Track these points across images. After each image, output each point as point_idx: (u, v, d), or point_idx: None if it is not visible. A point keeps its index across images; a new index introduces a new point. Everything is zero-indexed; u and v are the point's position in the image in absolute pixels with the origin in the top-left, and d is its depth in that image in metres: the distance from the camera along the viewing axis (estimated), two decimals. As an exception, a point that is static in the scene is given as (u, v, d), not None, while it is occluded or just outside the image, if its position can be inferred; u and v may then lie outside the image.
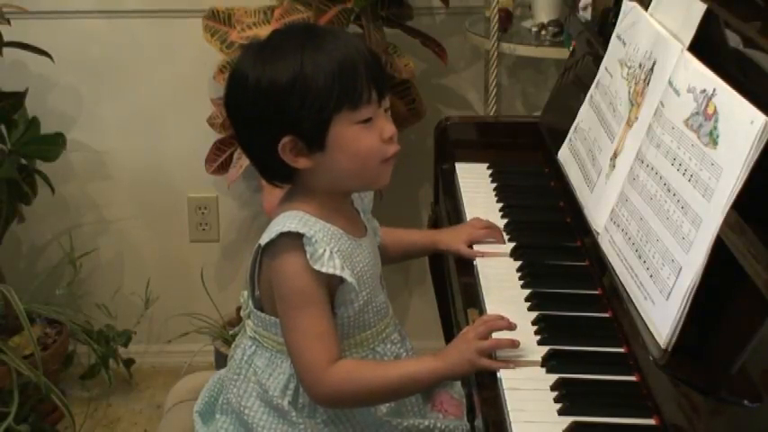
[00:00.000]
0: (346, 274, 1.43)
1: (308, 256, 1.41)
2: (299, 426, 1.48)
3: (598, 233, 1.59)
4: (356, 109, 1.43)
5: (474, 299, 1.58)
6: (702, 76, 1.36)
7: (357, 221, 1.55)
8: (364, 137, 1.44)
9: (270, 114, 1.43)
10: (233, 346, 1.59)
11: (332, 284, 1.46)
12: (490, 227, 1.75)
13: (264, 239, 1.45)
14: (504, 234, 1.75)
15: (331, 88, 1.41)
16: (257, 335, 1.53)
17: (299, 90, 1.41)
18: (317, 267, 1.41)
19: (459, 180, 2.00)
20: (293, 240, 1.42)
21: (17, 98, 2.56)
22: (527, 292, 1.55)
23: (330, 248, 1.43)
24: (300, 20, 2.45)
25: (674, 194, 1.34)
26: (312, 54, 1.42)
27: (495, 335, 1.42)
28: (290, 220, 1.44)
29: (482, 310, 1.53)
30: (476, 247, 1.71)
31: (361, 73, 1.43)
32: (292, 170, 1.46)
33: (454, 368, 1.42)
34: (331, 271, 1.42)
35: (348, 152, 1.44)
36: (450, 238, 1.74)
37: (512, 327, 1.42)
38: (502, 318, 1.43)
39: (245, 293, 1.57)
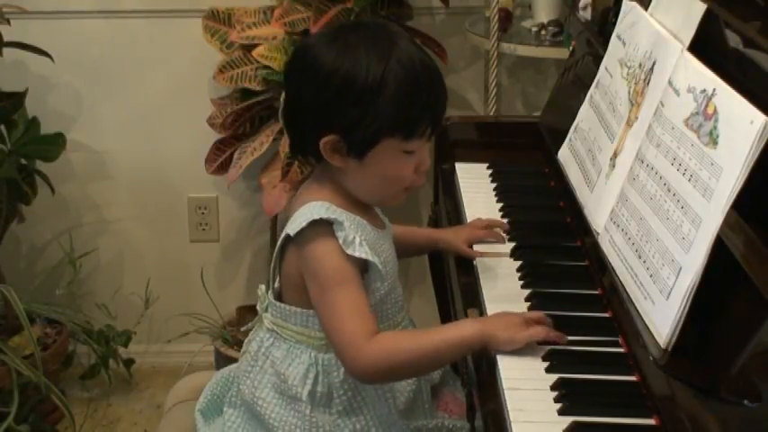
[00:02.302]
0: (376, 260, 1.45)
1: (340, 241, 1.42)
2: (312, 419, 1.49)
3: (598, 233, 1.59)
4: (408, 139, 1.44)
5: (474, 299, 1.58)
6: (702, 76, 1.36)
7: (376, 214, 1.56)
8: (402, 165, 1.46)
9: (328, 109, 1.43)
10: (246, 341, 1.60)
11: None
12: (491, 226, 1.75)
13: (294, 229, 1.45)
14: (505, 234, 1.75)
15: (397, 114, 1.41)
16: (275, 326, 1.53)
17: (367, 102, 1.40)
18: (349, 252, 1.42)
19: (459, 180, 2.00)
20: (323, 227, 1.43)
21: (17, 98, 2.56)
22: (527, 292, 1.56)
23: (358, 236, 1.44)
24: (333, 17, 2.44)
25: (674, 194, 1.34)
26: (395, 73, 1.40)
27: None
28: (317, 209, 1.45)
29: (482, 310, 1.53)
30: (476, 247, 1.71)
31: (428, 109, 1.44)
32: (321, 158, 1.47)
33: (495, 331, 1.38)
34: (363, 255, 1.43)
35: (381, 172, 1.46)
36: (450, 237, 1.75)
37: (561, 341, 1.41)
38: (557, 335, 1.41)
39: (263, 287, 1.58)
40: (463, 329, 1.42)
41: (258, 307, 1.59)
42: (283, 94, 1.52)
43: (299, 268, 1.47)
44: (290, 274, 1.50)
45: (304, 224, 1.43)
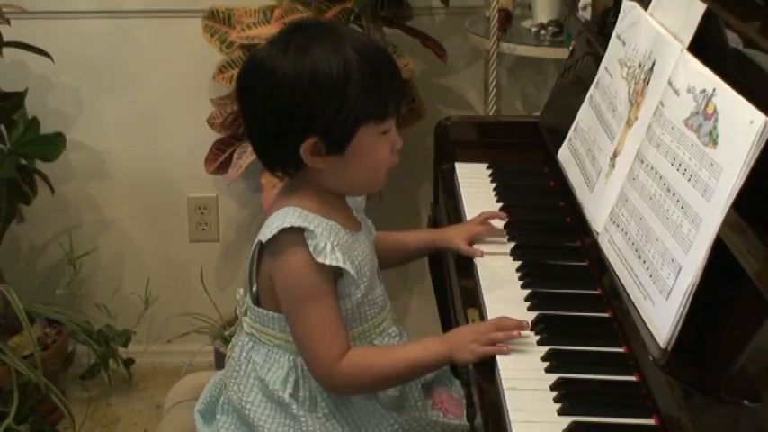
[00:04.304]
0: (348, 267, 1.44)
1: (310, 249, 1.42)
2: (301, 419, 1.49)
3: (598, 233, 1.59)
4: (382, 121, 1.45)
5: (474, 299, 1.58)
6: (702, 75, 1.36)
7: (351, 216, 1.56)
8: (381, 147, 1.47)
9: (302, 112, 1.42)
10: (230, 345, 1.60)
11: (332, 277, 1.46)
12: (489, 219, 1.75)
13: (265, 236, 1.45)
14: (504, 234, 1.75)
15: (369, 99, 1.42)
16: (254, 330, 1.53)
17: (338, 95, 1.41)
18: (320, 260, 1.42)
19: (459, 180, 2.00)
20: (295, 235, 1.43)
21: (17, 98, 2.56)
22: (527, 292, 1.55)
23: (330, 242, 1.44)
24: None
25: (674, 194, 1.34)
26: (354, 61, 1.41)
27: None
28: (290, 215, 1.44)
29: (482, 311, 1.53)
30: (475, 246, 1.71)
31: (392, 86, 1.45)
32: (301, 166, 1.46)
33: (455, 349, 1.43)
34: (334, 263, 1.43)
35: (364, 161, 1.46)
36: (449, 236, 1.75)
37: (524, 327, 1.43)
38: (517, 327, 1.43)
39: (241, 291, 1.58)
40: (429, 350, 1.46)
41: (237, 311, 1.59)
42: (244, 120, 1.51)
43: (272, 276, 1.48)
44: (266, 280, 1.50)
45: (275, 231, 1.43)
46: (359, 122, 1.43)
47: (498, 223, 1.77)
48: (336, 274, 1.46)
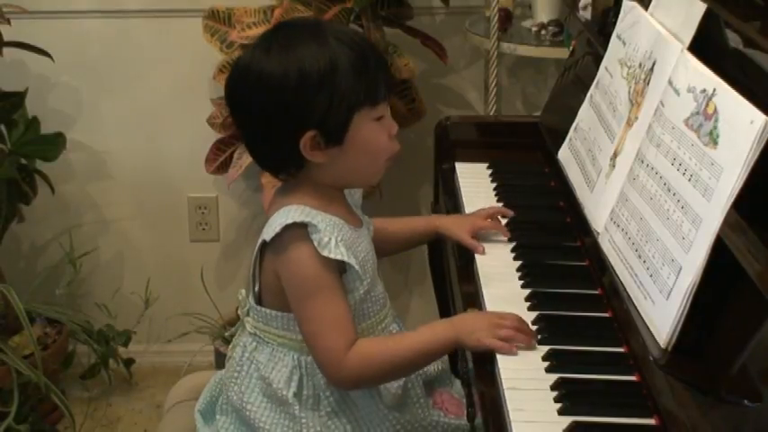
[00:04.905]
0: (353, 261, 1.45)
1: (315, 244, 1.43)
2: (302, 420, 1.49)
3: (598, 233, 1.59)
4: (375, 106, 1.46)
5: (474, 299, 1.58)
6: (702, 75, 1.36)
7: (352, 212, 1.57)
8: (378, 134, 1.48)
9: (295, 109, 1.43)
10: (231, 346, 1.60)
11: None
12: (494, 215, 1.75)
13: (269, 235, 1.45)
14: (508, 233, 1.74)
15: (358, 85, 1.43)
16: (257, 330, 1.53)
17: (327, 85, 1.42)
18: (325, 254, 1.42)
19: (459, 180, 2.00)
20: (299, 231, 1.44)
21: (17, 98, 2.56)
22: (527, 291, 1.55)
23: (334, 237, 1.44)
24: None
25: (674, 194, 1.34)
26: (338, 50, 1.43)
27: None
28: (292, 212, 1.45)
29: (482, 310, 1.53)
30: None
31: (378, 69, 1.47)
32: (303, 164, 1.47)
33: (464, 334, 1.42)
34: (339, 257, 1.43)
35: (364, 149, 1.47)
36: (452, 225, 1.74)
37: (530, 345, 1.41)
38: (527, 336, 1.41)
39: (243, 291, 1.59)
40: (436, 333, 1.45)
41: (239, 312, 1.59)
42: (240, 127, 1.52)
43: (276, 273, 1.48)
44: (269, 278, 1.50)
45: (278, 229, 1.44)
46: (353, 109, 1.44)
47: (504, 221, 1.77)
48: (340, 269, 1.46)
